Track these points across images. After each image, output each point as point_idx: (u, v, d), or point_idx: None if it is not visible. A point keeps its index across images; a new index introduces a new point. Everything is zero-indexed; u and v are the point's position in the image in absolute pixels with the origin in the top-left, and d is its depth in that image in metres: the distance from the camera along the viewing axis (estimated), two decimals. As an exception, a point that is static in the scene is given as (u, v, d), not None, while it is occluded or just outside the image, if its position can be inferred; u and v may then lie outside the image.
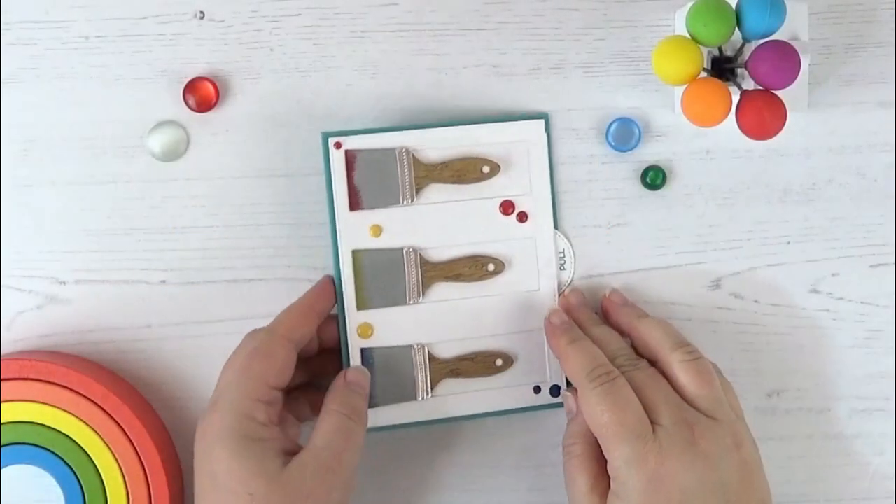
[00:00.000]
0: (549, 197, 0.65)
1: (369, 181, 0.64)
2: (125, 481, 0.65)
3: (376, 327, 0.64)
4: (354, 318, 0.64)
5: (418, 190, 0.64)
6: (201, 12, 0.68)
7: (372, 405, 0.64)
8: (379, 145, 0.64)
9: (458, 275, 0.65)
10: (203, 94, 0.67)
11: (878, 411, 0.69)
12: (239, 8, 0.68)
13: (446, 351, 0.65)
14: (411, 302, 0.64)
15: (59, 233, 0.68)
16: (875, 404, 0.69)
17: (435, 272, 0.64)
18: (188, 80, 0.67)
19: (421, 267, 0.64)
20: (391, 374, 0.64)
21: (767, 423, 0.68)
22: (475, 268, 0.65)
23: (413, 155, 0.64)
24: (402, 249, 0.64)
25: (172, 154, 0.68)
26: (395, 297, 0.64)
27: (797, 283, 0.68)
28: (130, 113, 0.68)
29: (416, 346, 0.64)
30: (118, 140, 0.68)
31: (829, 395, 0.69)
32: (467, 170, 0.64)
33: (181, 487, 0.67)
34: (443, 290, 0.65)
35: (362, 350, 0.64)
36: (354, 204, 0.64)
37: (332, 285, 0.64)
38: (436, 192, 0.64)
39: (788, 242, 0.68)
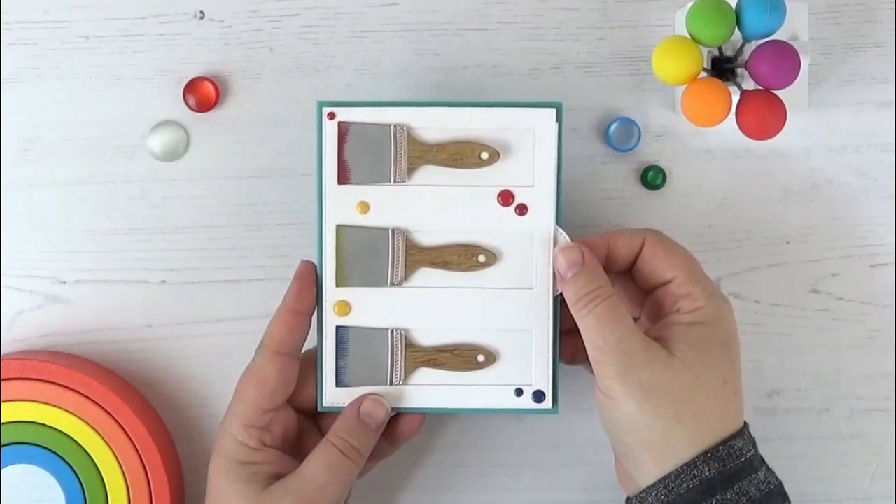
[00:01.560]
0: (554, 191, 0.62)
1: (360, 155, 0.62)
2: (126, 481, 0.65)
3: (354, 306, 0.62)
4: (332, 294, 0.62)
5: (411, 170, 0.62)
6: (201, 12, 0.68)
7: (342, 384, 0.63)
8: (374, 119, 0.62)
9: (446, 262, 0.62)
10: (203, 94, 0.67)
11: (878, 411, 0.69)
12: (239, 8, 0.68)
13: (426, 339, 0.63)
14: (392, 284, 0.62)
15: (59, 233, 0.68)
16: (875, 404, 0.69)
17: (421, 256, 0.62)
18: (188, 80, 0.67)
19: (407, 250, 0.62)
20: (365, 355, 0.62)
21: (767, 423, 0.68)
22: (465, 257, 0.62)
23: (409, 133, 0.62)
24: (388, 229, 0.62)
25: (172, 154, 0.68)
26: (376, 278, 0.62)
27: (797, 283, 0.68)
28: (130, 113, 0.68)
29: (393, 331, 0.63)
30: (118, 140, 0.68)
31: (829, 395, 0.69)
32: (464, 154, 0.62)
33: (182, 487, 0.67)
34: (428, 276, 0.63)
35: (337, 328, 0.62)
36: (343, 178, 0.62)
37: (312, 273, 0.62)
38: (430, 174, 0.62)
39: (788, 242, 0.68)
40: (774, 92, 0.60)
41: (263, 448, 0.61)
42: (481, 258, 0.62)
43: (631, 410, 0.58)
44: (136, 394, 0.67)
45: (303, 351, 0.62)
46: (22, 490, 0.68)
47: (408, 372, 0.63)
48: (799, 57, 0.60)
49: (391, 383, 0.63)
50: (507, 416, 0.68)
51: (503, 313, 0.63)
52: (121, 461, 0.65)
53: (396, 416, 0.63)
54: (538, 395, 0.63)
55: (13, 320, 0.68)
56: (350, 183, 0.62)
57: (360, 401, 0.62)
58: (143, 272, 0.68)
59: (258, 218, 0.68)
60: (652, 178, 0.68)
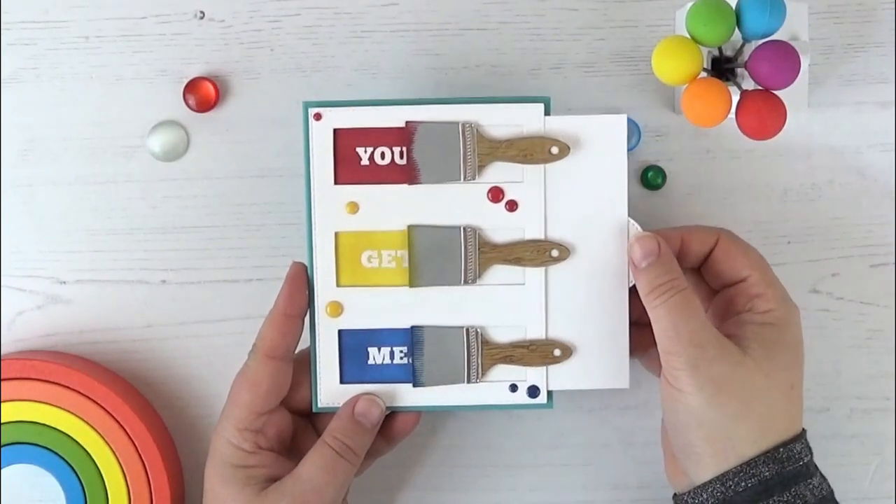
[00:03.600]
0: (542, 187, 0.62)
1: (429, 155, 0.62)
2: (126, 480, 0.65)
3: (347, 307, 0.62)
4: (324, 295, 0.62)
5: (481, 167, 0.62)
6: (201, 12, 0.68)
7: (419, 384, 0.63)
8: (442, 118, 0.62)
9: (519, 258, 0.62)
10: (203, 94, 0.67)
11: (878, 411, 0.69)
12: (239, 8, 0.68)
13: (501, 335, 0.63)
14: (466, 282, 0.62)
15: (59, 233, 0.68)
16: (875, 404, 0.69)
17: (494, 254, 0.62)
18: (188, 80, 0.67)
19: (479, 247, 0.62)
20: (441, 354, 0.63)
21: (767, 422, 0.68)
22: (537, 252, 0.62)
23: (477, 130, 0.62)
24: (459, 227, 0.62)
25: (172, 154, 0.68)
26: (449, 277, 0.62)
27: (797, 283, 0.68)
28: (130, 113, 0.68)
29: (468, 329, 0.63)
30: (118, 140, 0.68)
31: (829, 395, 0.68)
32: (534, 149, 0.62)
33: (182, 486, 0.67)
34: (501, 273, 0.62)
35: (413, 328, 0.63)
36: (413, 178, 0.62)
37: (303, 275, 0.62)
38: (497, 171, 0.62)
39: (788, 242, 0.68)
40: (774, 92, 0.60)
41: (258, 451, 0.61)
42: (554, 253, 0.62)
43: (698, 404, 0.58)
44: (136, 394, 0.67)
45: (296, 351, 0.62)
46: (22, 490, 0.68)
47: (484, 369, 0.63)
48: (799, 57, 0.60)
49: (468, 381, 0.63)
50: (507, 415, 0.68)
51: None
52: (121, 461, 0.65)
53: (392, 414, 0.63)
54: (533, 391, 0.63)
55: (13, 320, 0.68)
56: (419, 183, 0.62)
57: (354, 400, 0.62)
58: (143, 272, 0.68)
59: (258, 218, 0.68)
60: (652, 178, 0.68)
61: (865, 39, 0.68)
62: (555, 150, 0.62)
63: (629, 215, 0.62)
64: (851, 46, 0.68)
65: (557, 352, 0.63)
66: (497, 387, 0.63)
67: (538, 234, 0.62)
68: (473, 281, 0.63)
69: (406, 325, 0.63)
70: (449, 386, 0.63)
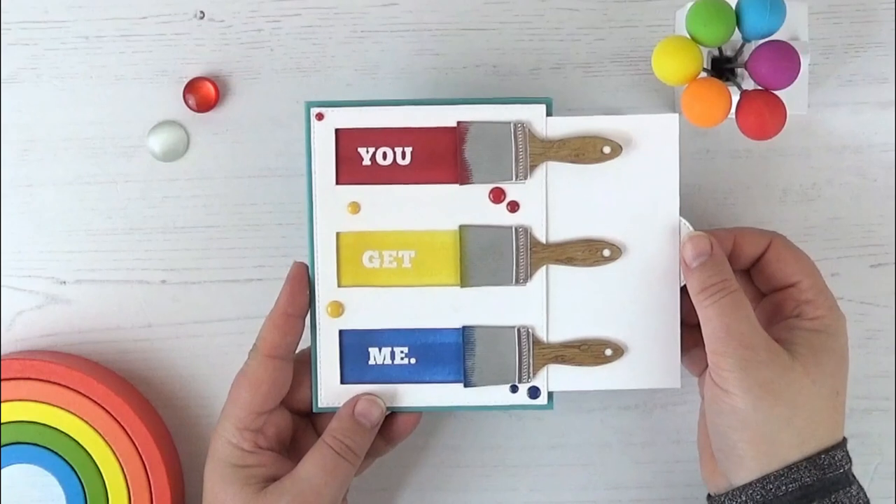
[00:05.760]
0: (544, 187, 0.62)
1: (481, 155, 0.62)
2: (126, 480, 0.65)
3: (348, 307, 0.62)
4: (324, 295, 0.62)
5: (532, 167, 0.62)
6: (201, 12, 0.68)
7: (470, 385, 0.63)
8: (493, 118, 0.62)
9: (571, 258, 0.62)
10: (203, 94, 0.67)
11: (878, 411, 0.69)
12: (239, 8, 0.68)
13: (552, 335, 0.63)
14: (517, 282, 0.62)
15: (59, 233, 0.68)
16: (875, 404, 0.69)
17: (545, 253, 0.62)
18: (188, 80, 0.67)
19: (530, 247, 0.62)
20: (492, 354, 0.63)
21: (767, 422, 0.68)
22: (589, 252, 0.62)
23: (529, 130, 0.62)
24: (511, 227, 0.62)
25: (172, 154, 0.68)
26: (501, 277, 0.62)
27: (797, 283, 0.68)
28: (130, 113, 0.68)
29: (519, 329, 0.63)
30: (118, 140, 0.68)
31: (829, 395, 0.68)
32: (586, 149, 0.62)
33: (182, 486, 0.68)
34: (552, 273, 0.62)
35: (464, 328, 0.63)
36: (464, 178, 0.62)
37: (304, 275, 0.62)
38: (551, 171, 0.62)
39: (788, 242, 0.68)
40: (774, 92, 0.60)
41: (258, 450, 0.61)
42: (606, 252, 0.62)
43: (744, 406, 0.57)
44: (136, 394, 0.67)
45: (297, 351, 0.62)
46: (22, 490, 0.68)
47: (536, 369, 0.63)
48: (799, 57, 0.60)
49: (520, 381, 0.63)
50: (507, 415, 0.68)
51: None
52: (121, 461, 0.65)
53: (392, 414, 0.63)
54: (533, 392, 0.63)
55: (13, 320, 0.68)
56: (471, 183, 0.62)
57: (354, 401, 0.62)
58: (143, 272, 0.68)
59: (258, 218, 0.68)
60: (652, 178, 0.68)
61: (865, 39, 0.68)
62: (607, 149, 0.62)
63: (680, 215, 0.62)
64: (851, 46, 0.68)
65: (609, 351, 0.63)
66: (498, 387, 0.63)
67: (540, 236, 0.62)
68: (525, 281, 0.63)
69: (457, 325, 0.63)
70: (449, 386, 0.63)
